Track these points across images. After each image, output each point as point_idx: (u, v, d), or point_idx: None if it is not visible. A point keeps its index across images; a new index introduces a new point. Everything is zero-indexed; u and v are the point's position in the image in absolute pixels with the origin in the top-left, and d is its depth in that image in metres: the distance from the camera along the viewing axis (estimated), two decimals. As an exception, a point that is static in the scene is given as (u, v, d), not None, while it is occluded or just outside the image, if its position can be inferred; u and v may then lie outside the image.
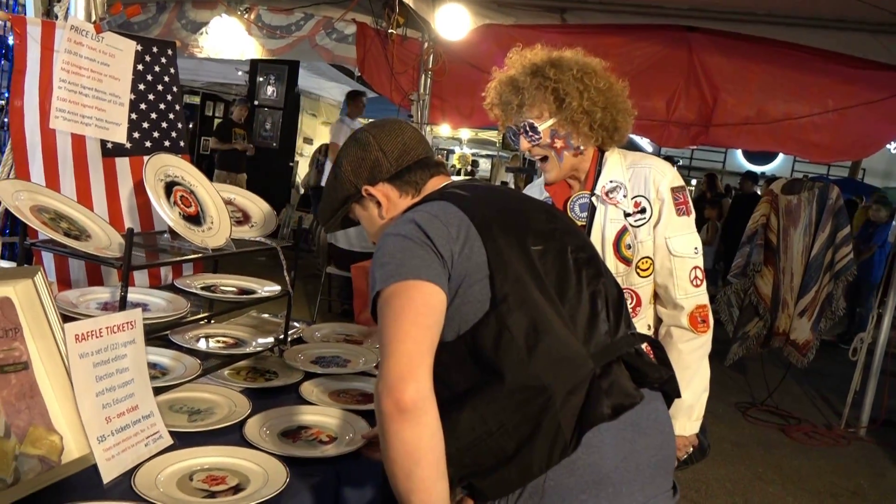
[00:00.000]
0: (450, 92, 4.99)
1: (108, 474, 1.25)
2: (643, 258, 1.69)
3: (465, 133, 8.97)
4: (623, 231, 1.69)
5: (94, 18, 1.84)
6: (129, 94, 1.93)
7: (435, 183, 1.37)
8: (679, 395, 1.32)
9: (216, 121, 10.56)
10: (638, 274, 1.70)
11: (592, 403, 1.11)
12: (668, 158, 8.38)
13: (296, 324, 2.27)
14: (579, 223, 1.72)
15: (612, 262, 1.67)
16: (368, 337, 2.29)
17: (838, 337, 7.21)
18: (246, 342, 1.96)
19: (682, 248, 1.69)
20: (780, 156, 14.90)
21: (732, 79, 4.41)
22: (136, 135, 1.96)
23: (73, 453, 1.26)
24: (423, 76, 4.85)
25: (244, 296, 1.94)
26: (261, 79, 10.05)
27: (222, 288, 1.95)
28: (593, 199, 1.72)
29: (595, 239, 1.69)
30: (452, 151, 12.46)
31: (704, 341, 1.71)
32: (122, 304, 1.47)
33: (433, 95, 4.95)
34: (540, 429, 1.09)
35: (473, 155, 10.05)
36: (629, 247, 1.69)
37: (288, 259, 1.94)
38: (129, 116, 1.93)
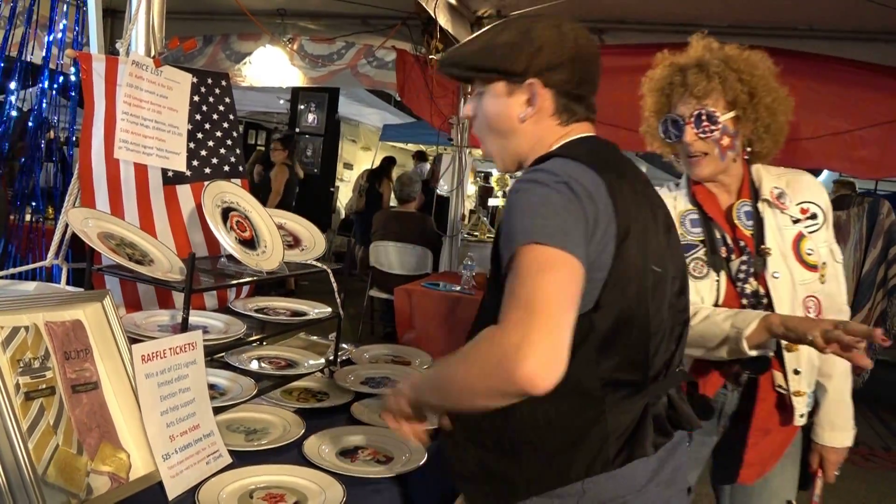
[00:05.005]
0: (489, 114, 5.03)
1: (172, 491, 1.29)
2: (821, 264, 1.67)
3: (503, 155, 9.01)
4: (800, 237, 1.66)
5: (153, 53, 1.92)
6: (187, 124, 2.01)
7: (581, 129, 1.21)
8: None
9: (259, 149, 10.79)
10: (819, 280, 1.66)
11: (641, 434, 1.12)
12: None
13: (344, 345, 2.31)
14: (747, 231, 1.68)
15: (797, 270, 1.64)
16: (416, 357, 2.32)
17: None
18: (297, 363, 2.00)
19: (839, 256, 1.71)
20: (825, 172, 14.55)
21: (774, 95, 4.36)
22: (195, 163, 2.04)
23: (140, 470, 1.31)
24: (463, 100, 4.91)
25: (296, 318, 1.98)
26: (302, 106, 10.27)
27: (275, 310, 2.00)
28: (759, 205, 1.68)
29: (772, 244, 1.64)
30: (490, 174, 12.51)
31: None
32: (184, 326, 1.52)
33: (472, 119, 5.00)
34: (587, 437, 1.10)
35: (511, 175, 10.08)
36: (810, 252, 1.65)
37: (336, 282, 1.98)
38: (188, 145, 2.01)
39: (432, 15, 3.77)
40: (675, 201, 1.75)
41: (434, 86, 4.84)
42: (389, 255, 5.60)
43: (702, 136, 1.62)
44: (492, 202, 10.16)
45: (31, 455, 1.11)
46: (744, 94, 1.61)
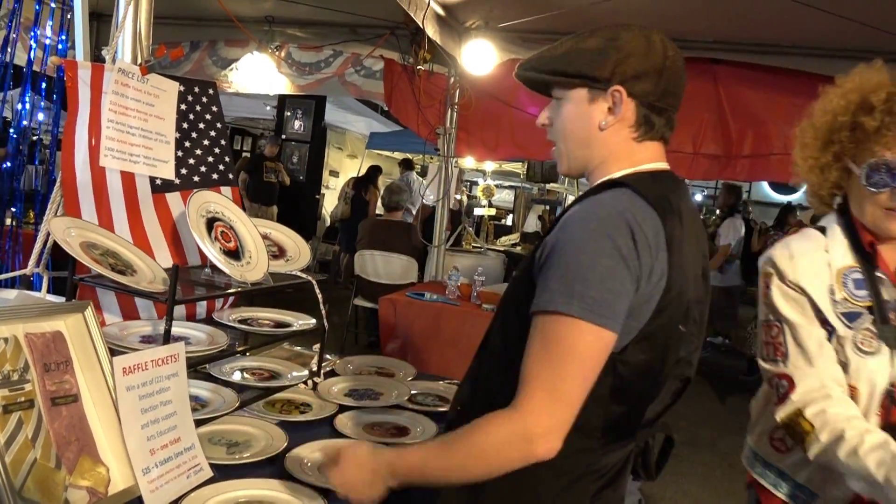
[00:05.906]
0: (475, 125, 5.05)
1: (152, 506, 1.27)
2: None
3: (490, 165, 9.05)
4: None
5: (139, 61, 1.91)
6: (175, 133, 2.00)
7: (654, 150, 1.15)
8: None
9: (244, 154, 10.76)
10: None
11: (622, 479, 1.16)
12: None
13: (328, 356, 2.30)
14: None
15: None
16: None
17: None
18: (281, 375, 1.98)
19: None
20: (805, 186, 14.76)
21: (759, 110, 4.39)
22: (183, 171, 2.03)
23: (119, 485, 1.29)
24: (450, 110, 4.92)
25: (280, 329, 1.97)
26: (288, 113, 10.26)
27: (259, 321, 1.98)
28: None
29: None
30: (476, 183, 12.55)
31: None
32: (167, 338, 1.51)
33: (459, 129, 5.01)
34: (572, 471, 1.12)
35: (497, 186, 10.12)
36: None
37: (321, 292, 1.97)
38: (176, 153, 2.00)
39: (420, 25, 3.78)
40: (829, 255, 1.45)
41: (421, 96, 4.84)
42: (375, 264, 5.59)
43: None
44: (477, 211, 10.19)
45: (7, 469, 1.09)
46: None
